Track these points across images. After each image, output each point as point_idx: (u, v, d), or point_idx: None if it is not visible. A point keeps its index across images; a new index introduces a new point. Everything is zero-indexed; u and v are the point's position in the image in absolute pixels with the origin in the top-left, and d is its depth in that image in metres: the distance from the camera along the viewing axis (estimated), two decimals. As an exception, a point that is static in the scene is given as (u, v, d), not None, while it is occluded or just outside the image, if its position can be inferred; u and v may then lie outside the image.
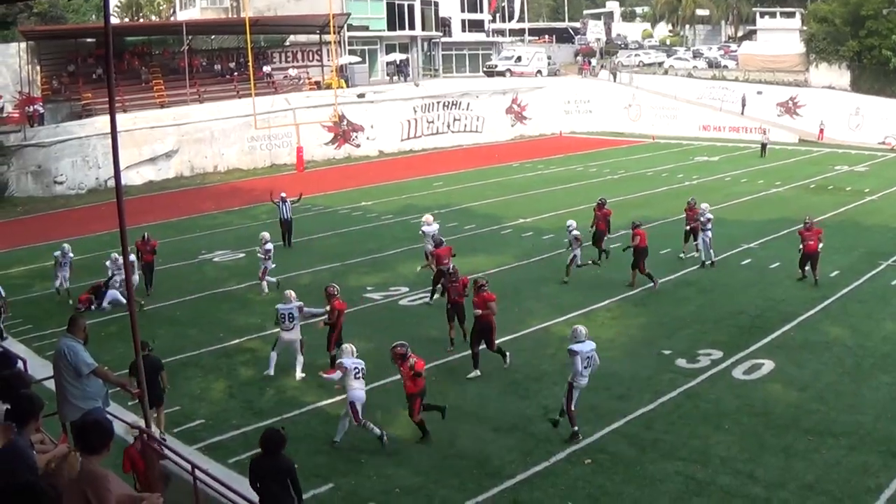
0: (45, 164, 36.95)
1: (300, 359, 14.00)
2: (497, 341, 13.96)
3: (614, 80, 57.46)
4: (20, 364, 7.98)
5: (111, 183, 35.45)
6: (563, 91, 55.58)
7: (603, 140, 50.07)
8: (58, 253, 19.85)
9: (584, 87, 56.74)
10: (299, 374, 13.89)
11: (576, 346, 11.29)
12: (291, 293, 14.35)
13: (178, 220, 29.59)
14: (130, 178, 36.99)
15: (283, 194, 24.61)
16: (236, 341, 15.96)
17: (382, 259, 22.73)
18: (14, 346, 15.35)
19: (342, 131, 46.02)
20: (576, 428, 11.43)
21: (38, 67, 42.97)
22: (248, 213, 30.98)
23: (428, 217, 20.64)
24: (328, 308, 13.54)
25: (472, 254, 22.39)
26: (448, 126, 50.66)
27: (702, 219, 19.74)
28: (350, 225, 27.64)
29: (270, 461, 7.94)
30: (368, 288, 19.55)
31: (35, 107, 39.93)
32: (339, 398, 12.23)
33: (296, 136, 43.69)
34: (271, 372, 13.93)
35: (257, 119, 42.21)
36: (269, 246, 19.43)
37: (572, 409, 11.28)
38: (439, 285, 16.24)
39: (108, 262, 18.98)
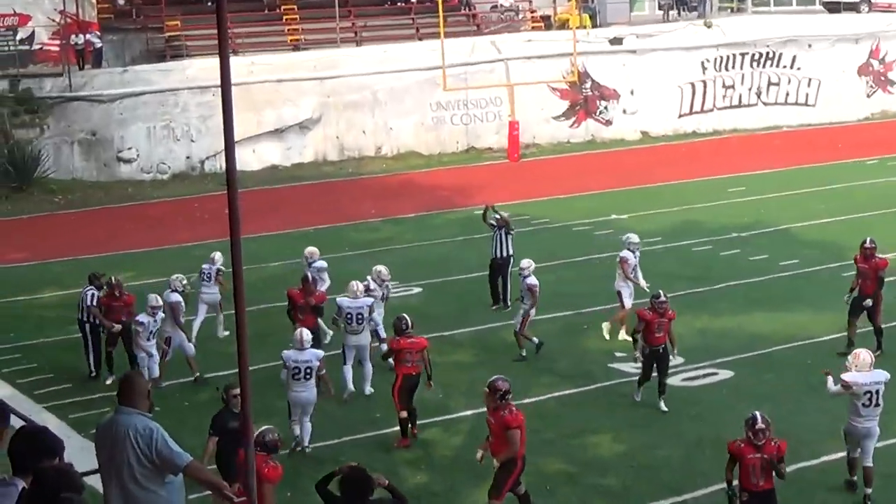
0: (103, 131, 30.09)
1: (369, 370, 13.89)
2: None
3: None
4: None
5: (212, 165, 30.93)
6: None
7: None
8: (206, 265, 17.00)
9: None
10: (368, 390, 13.81)
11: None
12: (358, 285, 14.22)
13: (316, 231, 24.35)
14: (243, 159, 28.96)
15: (494, 208, 19.15)
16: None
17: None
18: (40, 415, 12.96)
19: (583, 99, 34.98)
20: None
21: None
22: (429, 222, 25.58)
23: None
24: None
25: (791, 306, 17.48)
26: (758, 94, 36.86)
27: None
28: (591, 251, 21.80)
29: None
30: (617, 355, 15.61)
31: (88, 37, 30.23)
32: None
33: (508, 103, 33.69)
34: (351, 388, 13.79)
35: (447, 75, 32.02)
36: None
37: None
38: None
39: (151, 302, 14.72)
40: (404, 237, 23.90)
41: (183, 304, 14.65)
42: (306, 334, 12.39)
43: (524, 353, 15.25)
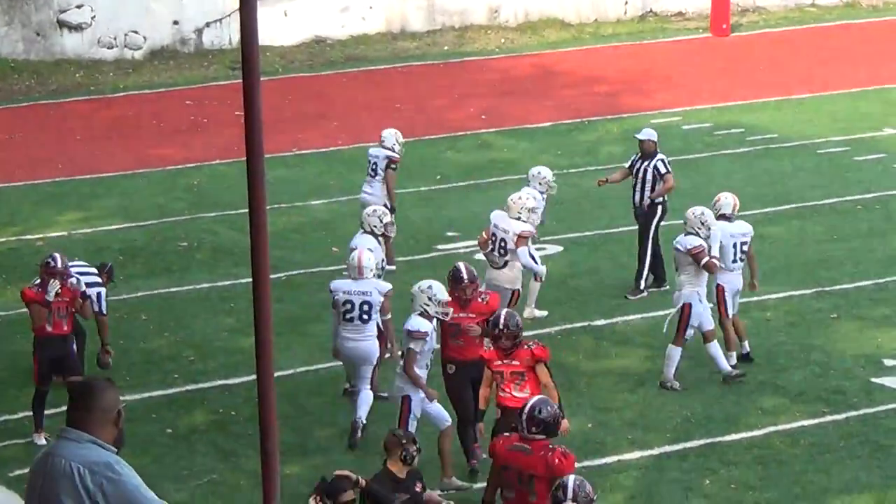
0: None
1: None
2: None
3: None
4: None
5: (215, 37, 32.59)
6: None
7: None
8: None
9: None
10: None
11: None
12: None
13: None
14: (268, 26, 29.48)
15: None
16: None
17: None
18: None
19: None
20: None
21: None
22: (575, 138, 26.99)
23: None
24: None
25: None
26: None
27: None
28: (848, 188, 23.32)
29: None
30: (888, 363, 16.50)
31: None
32: None
33: None
34: None
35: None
36: None
37: None
38: None
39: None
40: (536, 160, 23.95)
41: None
42: (366, 258, 14.06)
43: (748, 351, 15.88)
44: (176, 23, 32.29)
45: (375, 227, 15.68)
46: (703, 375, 15.64)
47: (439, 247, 20.24)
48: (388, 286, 14.69)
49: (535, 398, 11.02)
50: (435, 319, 13.60)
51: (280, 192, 21.74)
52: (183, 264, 19.36)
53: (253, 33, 5.83)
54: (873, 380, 15.43)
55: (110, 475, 6.80)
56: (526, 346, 12.76)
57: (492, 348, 12.87)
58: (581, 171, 23.57)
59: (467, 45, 33.56)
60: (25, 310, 17.64)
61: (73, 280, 15.25)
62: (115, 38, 31.91)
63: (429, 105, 28.94)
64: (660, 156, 18.61)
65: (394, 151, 19.63)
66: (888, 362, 15.93)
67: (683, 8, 35.74)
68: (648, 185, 18.60)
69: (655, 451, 13.70)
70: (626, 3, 35.54)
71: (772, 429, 14.59)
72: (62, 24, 31.66)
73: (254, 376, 6.98)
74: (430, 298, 13.36)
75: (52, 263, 14.74)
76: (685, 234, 15.75)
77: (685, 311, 15.20)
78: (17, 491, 12.36)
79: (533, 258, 16.87)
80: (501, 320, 12.66)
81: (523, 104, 28.62)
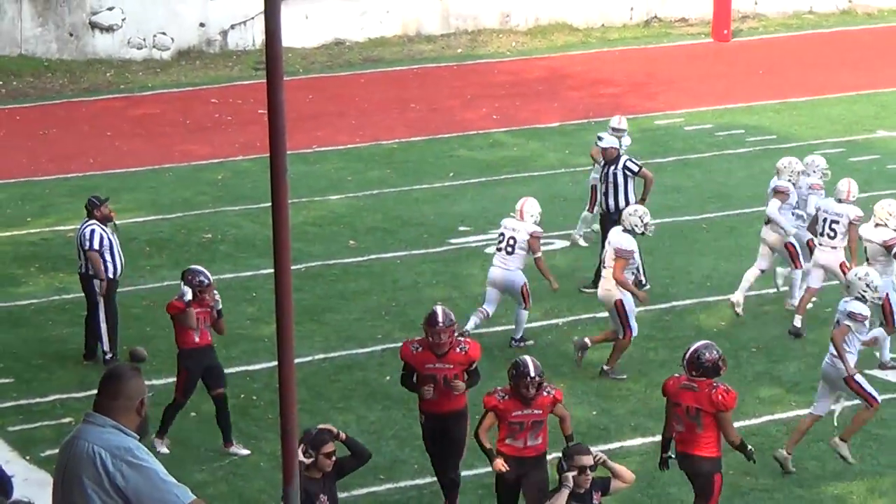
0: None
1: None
2: None
3: None
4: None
5: (240, 38, 32.46)
6: None
7: None
8: None
9: None
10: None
11: None
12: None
13: (401, 145, 26.24)
14: (290, 28, 27.74)
15: None
16: None
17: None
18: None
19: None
20: None
21: None
22: (582, 137, 26.19)
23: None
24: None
25: None
26: None
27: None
28: None
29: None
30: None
31: None
32: None
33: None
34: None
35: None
36: None
37: None
38: None
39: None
40: (545, 159, 24.84)
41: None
42: (530, 204, 16.49)
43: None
44: (202, 25, 32.39)
45: (636, 226, 15.61)
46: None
47: (452, 241, 20.24)
48: (537, 229, 16.44)
49: (699, 343, 11.76)
50: None
51: (300, 186, 21.77)
52: (207, 255, 19.32)
53: (277, 35, 5.78)
54: (866, 371, 15.16)
55: (130, 459, 6.81)
56: (546, 392, 11.78)
57: (506, 398, 11.63)
58: (587, 169, 23.14)
59: (480, 48, 33.64)
60: (56, 297, 17.81)
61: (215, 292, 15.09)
62: (144, 40, 32.01)
63: (442, 105, 28.97)
64: (625, 157, 18.66)
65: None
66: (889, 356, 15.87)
67: (686, 14, 35.77)
68: (621, 188, 18.56)
69: (657, 438, 13.66)
70: (632, 8, 35.57)
71: (768, 417, 14.66)
72: (94, 26, 31.78)
73: (274, 363, 6.97)
74: (867, 286, 13.79)
75: (206, 281, 14.61)
76: (875, 226, 16.18)
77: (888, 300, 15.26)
78: (47, 470, 12.38)
79: None
80: (532, 369, 11.50)
81: (533, 105, 28.67)
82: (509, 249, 16.56)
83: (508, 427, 11.59)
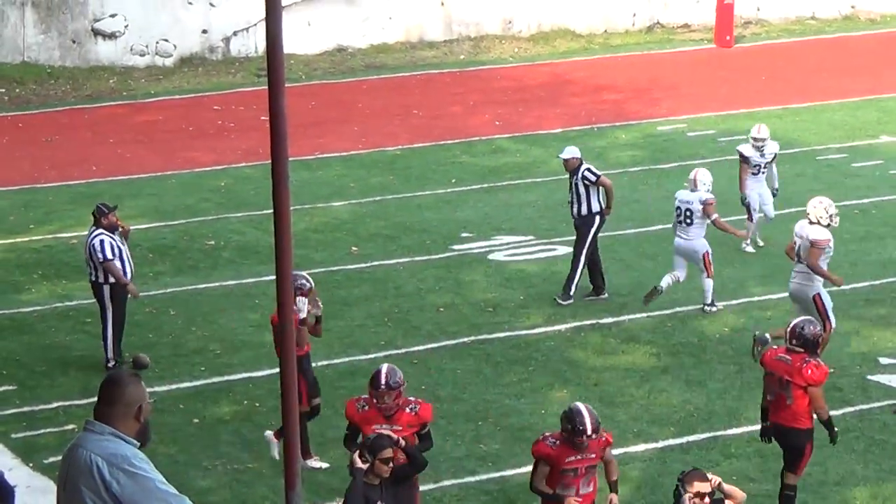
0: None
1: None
2: None
3: None
4: None
5: (243, 45, 32.81)
6: None
7: None
8: None
9: None
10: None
11: None
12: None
13: (404, 152, 26.21)
14: (292, 35, 28.74)
15: None
16: None
17: None
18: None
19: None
20: None
21: None
22: (586, 142, 25.52)
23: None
24: None
25: None
26: None
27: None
28: (847, 193, 22.72)
29: None
30: (883, 361, 16.50)
31: None
32: None
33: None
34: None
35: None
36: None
37: None
38: None
39: None
40: (547, 166, 24.69)
41: None
42: (702, 173, 17.59)
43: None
44: (205, 32, 32.39)
45: (821, 218, 15.58)
46: (705, 371, 15.64)
47: (454, 247, 20.19)
48: (709, 196, 17.35)
49: (803, 317, 12.60)
50: None
51: (302, 193, 21.75)
52: (210, 262, 19.35)
53: (278, 42, 5.79)
54: (869, 377, 15.43)
55: (126, 467, 6.78)
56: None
57: (557, 444, 10.81)
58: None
59: (482, 54, 33.68)
60: (59, 304, 17.79)
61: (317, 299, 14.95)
62: (146, 46, 32.01)
63: (445, 111, 28.99)
64: (584, 166, 18.70)
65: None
66: (883, 360, 15.95)
67: (689, 20, 35.78)
68: (583, 197, 18.70)
69: (660, 444, 13.69)
70: (635, 15, 35.58)
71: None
72: (97, 33, 31.79)
73: (277, 369, 6.96)
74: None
75: (308, 284, 14.15)
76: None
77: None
78: (51, 477, 12.40)
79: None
80: (590, 427, 10.61)
81: (535, 111, 28.69)
82: (688, 221, 17.46)
83: (561, 475, 10.85)
